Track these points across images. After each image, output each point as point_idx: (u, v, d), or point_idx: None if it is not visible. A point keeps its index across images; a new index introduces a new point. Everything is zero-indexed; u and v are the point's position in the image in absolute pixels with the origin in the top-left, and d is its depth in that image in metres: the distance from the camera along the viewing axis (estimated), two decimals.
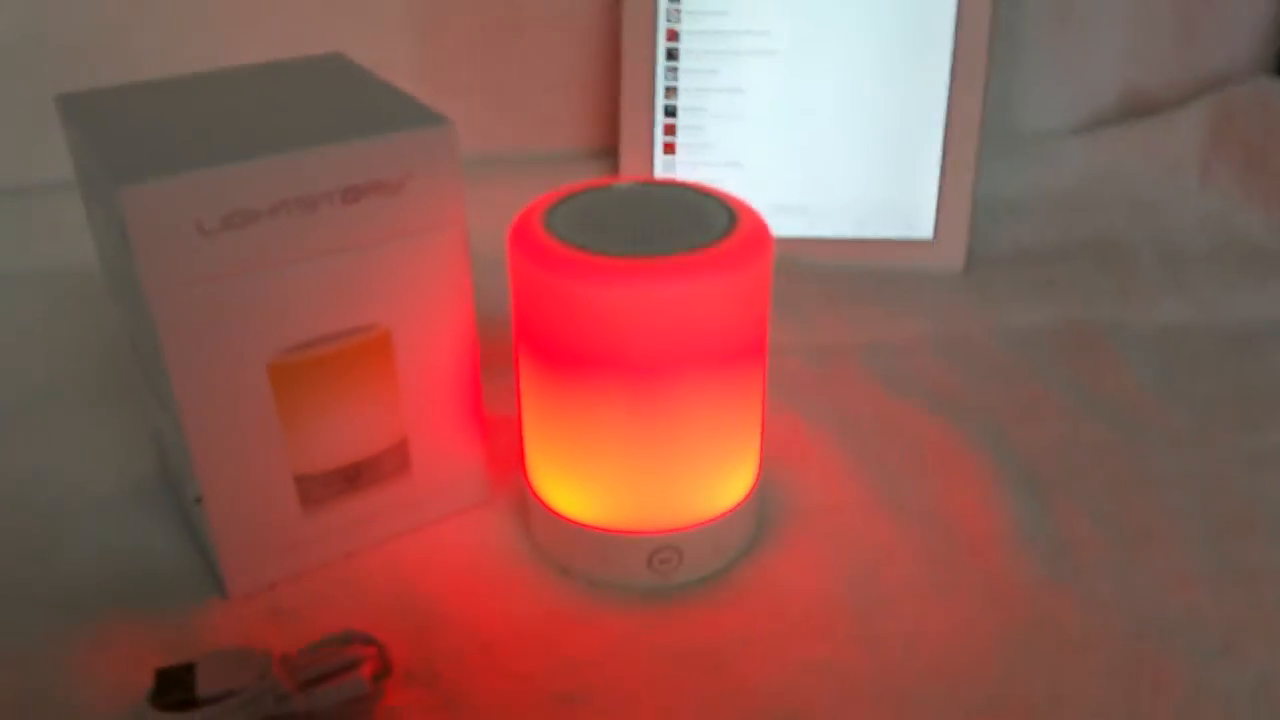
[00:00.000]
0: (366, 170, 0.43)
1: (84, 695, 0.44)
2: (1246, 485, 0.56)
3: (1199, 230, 0.85)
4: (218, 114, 0.46)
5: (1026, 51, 0.91)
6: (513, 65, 0.86)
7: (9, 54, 0.80)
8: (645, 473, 0.47)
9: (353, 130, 0.43)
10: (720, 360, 0.45)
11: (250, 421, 0.45)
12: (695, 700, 0.44)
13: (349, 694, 0.42)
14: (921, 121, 0.80)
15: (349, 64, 0.53)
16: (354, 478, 0.49)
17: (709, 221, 0.46)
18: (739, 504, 0.50)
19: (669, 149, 0.83)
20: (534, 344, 0.46)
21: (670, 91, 0.82)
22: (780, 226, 0.79)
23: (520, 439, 0.52)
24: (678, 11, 0.80)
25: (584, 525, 0.49)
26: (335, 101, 0.47)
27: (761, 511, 0.53)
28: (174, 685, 0.41)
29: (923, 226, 0.81)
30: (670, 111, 0.82)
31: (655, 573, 0.49)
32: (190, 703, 0.41)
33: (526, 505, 0.53)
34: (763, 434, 0.51)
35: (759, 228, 0.46)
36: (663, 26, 0.80)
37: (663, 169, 0.83)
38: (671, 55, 0.81)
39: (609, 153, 0.88)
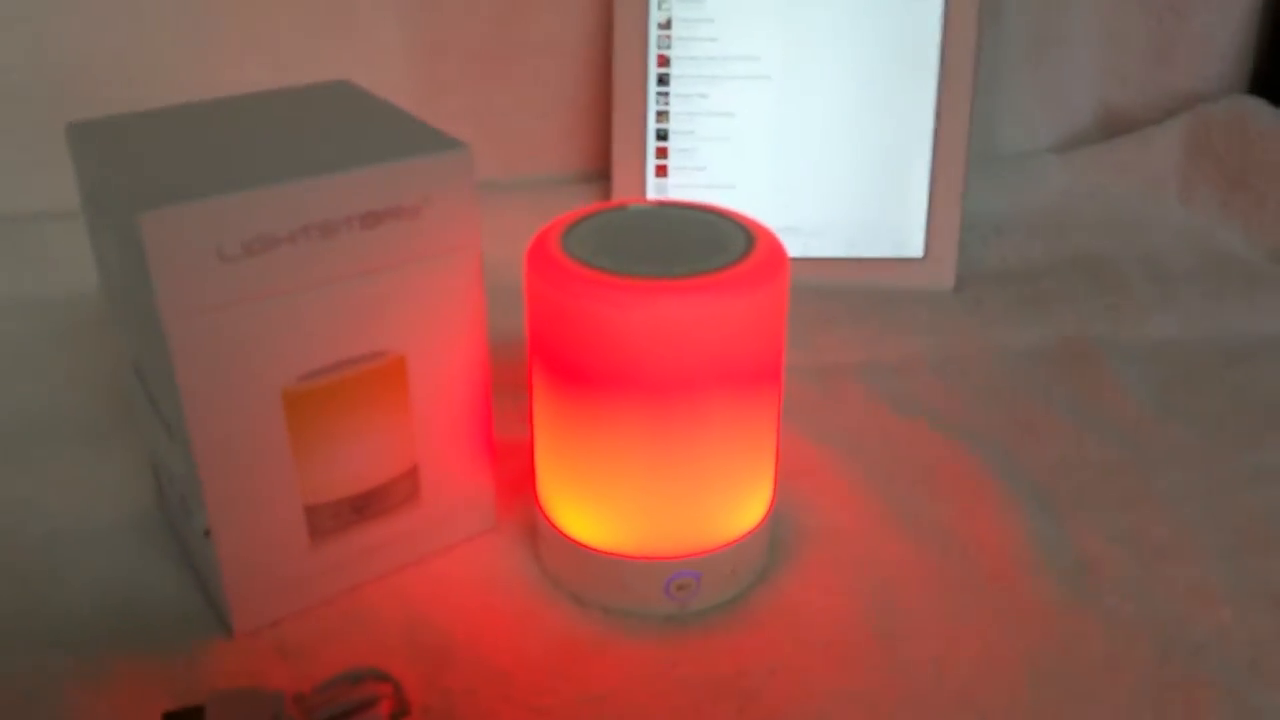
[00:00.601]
0: (386, 195, 0.42)
1: None
2: (1253, 501, 0.56)
3: (1181, 246, 0.86)
4: (232, 140, 0.45)
5: (1006, 73, 0.92)
6: (505, 91, 0.86)
7: (1, 81, 0.78)
8: (664, 496, 0.46)
9: (372, 156, 0.43)
10: (739, 381, 0.45)
11: (262, 451, 0.44)
12: None
13: None
14: (910, 142, 0.80)
15: (356, 90, 0.52)
16: (363, 507, 0.48)
17: (726, 242, 0.46)
18: (756, 527, 0.49)
19: (661, 171, 0.82)
20: (551, 366, 0.46)
21: (662, 115, 0.82)
22: None
23: (531, 463, 0.51)
24: (669, 38, 0.80)
25: (600, 551, 0.48)
26: (349, 127, 0.47)
27: (774, 534, 0.52)
28: None
29: (913, 245, 0.82)
30: (662, 135, 0.82)
31: (673, 600, 0.48)
32: None
33: (536, 532, 0.52)
34: (777, 455, 0.50)
35: (776, 248, 0.46)
36: (654, 52, 0.80)
37: (655, 192, 0.83)
38: (663, 80, 0.81)
39: (601, 176, 0.87)
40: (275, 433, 0.44)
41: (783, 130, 0.81)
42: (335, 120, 0.48)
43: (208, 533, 0.44)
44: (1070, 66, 0.94)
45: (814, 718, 0.43)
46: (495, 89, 0.86)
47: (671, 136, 0.82)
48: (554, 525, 0.49)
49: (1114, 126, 0.96)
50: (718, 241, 0.46)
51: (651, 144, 0.82)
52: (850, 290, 0.80)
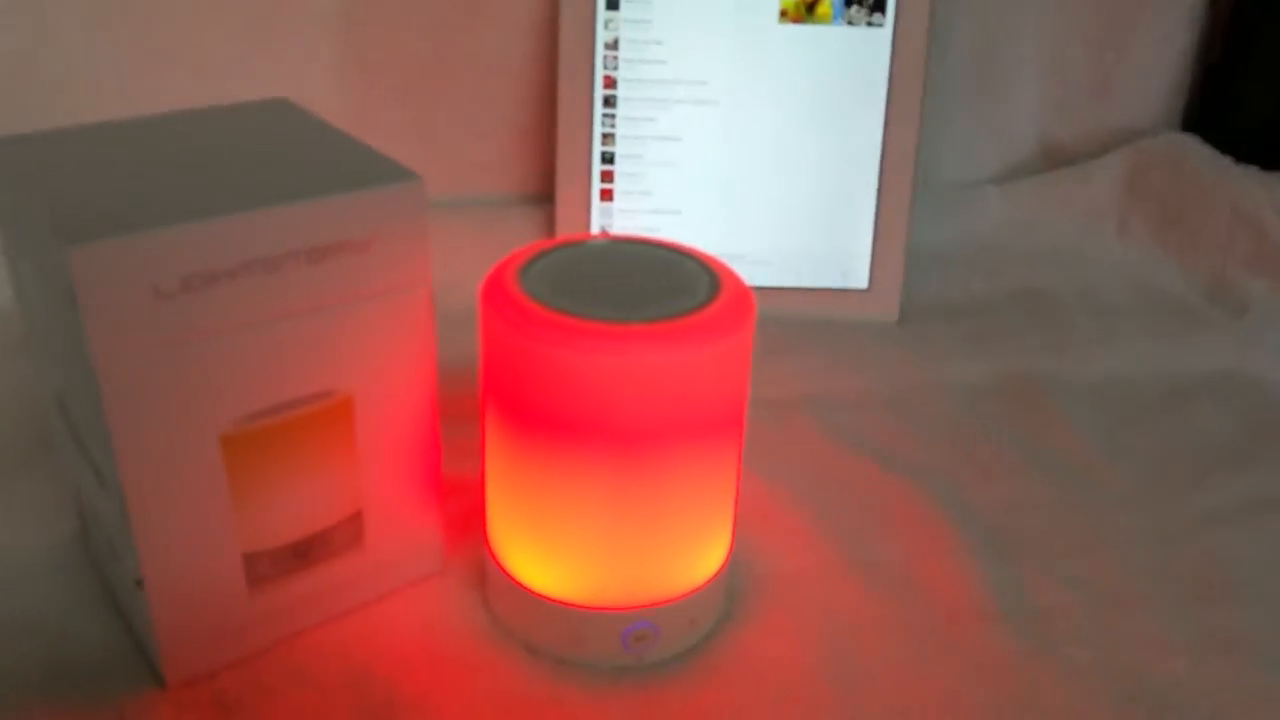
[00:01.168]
0: (334, 229, 0.40)
1: None
2: (1203, 545, 0.56)
3: (1119, 282, 0.88)
4: (166, 164, 0.42)
5: (947, 103, 0.92)
6: (444, 109, 0.84)
7: None
8: (624, 545, 0.44)
9: (319, 187, 0.40)
10: (703, 429, 0.43)
11: (198, 496, 0.41)
12: None
13: None
14: (856, 172, 0.80)
15: (296, 109, 0.50)
16: (305, 553, 0.46)
17: (690, 284, 0.44)
18: (715, 574, 0.48)
19: (606, 196, 0.81)
20: (506, 408, 0.44)
21: (608, 138, 0.80)
22: None
23: (481, 502, 0.49)
24: (615, 58, 0.79)
25: (555, 601, 0.46)
26: (292, 153, 0.44)
27: (730, 581, 0.51)
28: None
29: (858, 276, 0.81)
30: (608, 158, 0.80)
31: (630, 651, 0.47)
32: None
33: (485, 576, 0.50)
34: (737, 502, 0.49)
35: (742, 291, 0.44)
36: (600, 73, 0.79)
37: (600, 216, 0.81)
38: (609, 102, 0.79)
39: (545, 199, 0.85)
40: (213, 477, 0.41)
41: (730, 156, 0.80)
42: (276, 144, 0.45)
43: (139, 582, 0.42)
44: (1010, 97, 0.95)
45: None
46: (434, 106, 0.83)
47: (617, 160, 0.81)
48: (505, 572, 0.47)
49: (1053, 159, 0.97)
50: (682, 282, 0.44)
51: (597, 167, 0.80)
52: (795, 320, 0.79)
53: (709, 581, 0.47)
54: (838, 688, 0.46)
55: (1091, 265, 0.90)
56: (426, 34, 0.82)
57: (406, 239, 0.43)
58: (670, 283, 0.44)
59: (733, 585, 0.51)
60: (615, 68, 0.79)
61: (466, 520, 0.53)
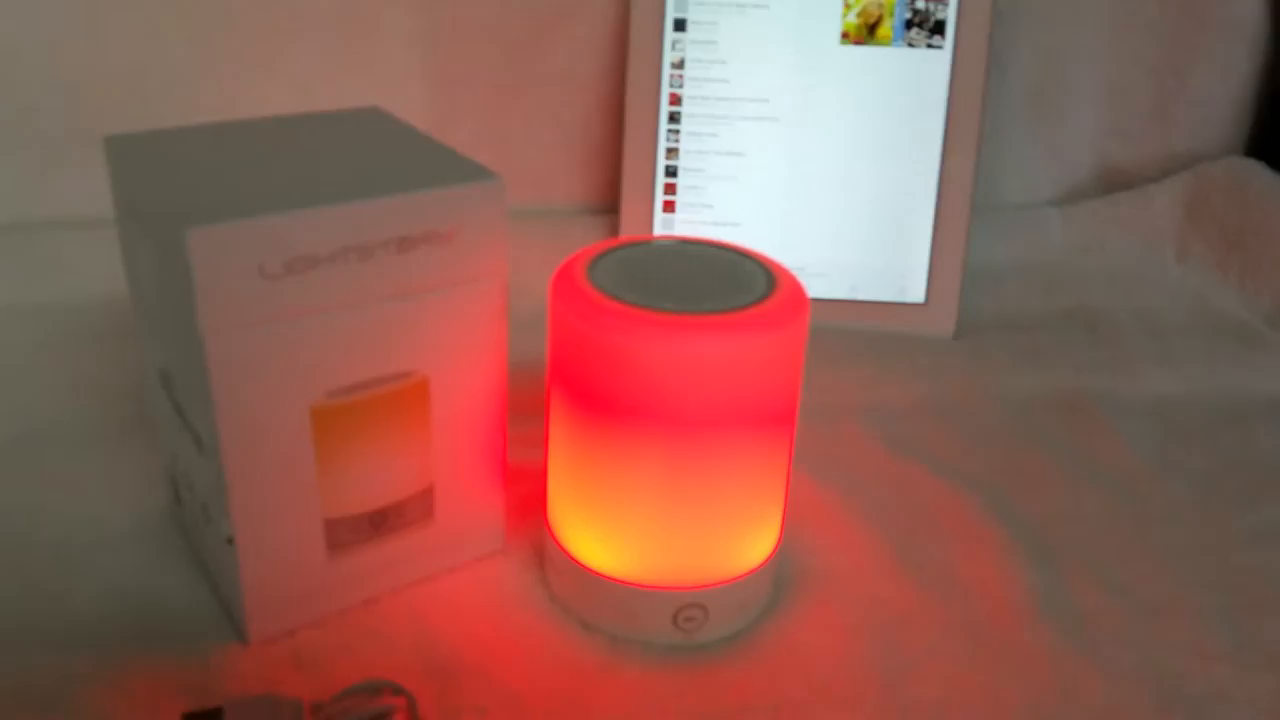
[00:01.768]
0: (422, 221, 0.44)
1: None
2: (1250, 560, 0.57)
3: (1178, 304, 0.88)
4: (272, 161, 0.46)
5: (1008, 125, 0.94)
6: (519, 122, 0.88)
7: (16, 92, 0.79)
8: (677, 527, 0.47)
9: (409, 182, 0.44)
10: (757, 418, 0.46)
11: (288, 463, 0.45)
12: None
13: None
14: (915, 190, 0.82)
15: (387, 116, 0.53)
16: (380, 523, 0.49)
17: (748, 281, 0.47)
18: (764, 562, 0.50)
19: (669, 207, 0.84)
20: (571, 394, 0.47)
21: (671, 152, 0.83)
22: None
23: (542, 488, 0.52)
24: (681, 77, 0.82)
25: (610, 579, 0.49)
26: (384, 153, 0.48)
27: (778, 571, 0.53)
28: None
29: (915, 291, 0.83)
30: (671, 171, 0.83)
31: (680, 630, 0.49)
32: None
33: (544, 556, 0.53)
34: (787, 493, 0.51)
35: (797, 289, 0.47)
36: (666, 91, 0.82)
37: (661, 226, 0.84)
38: (674, 118, 0.83)
39: (609, 209, 0.89)
40: (302, 446, 0.45)
41: (790, 172, 0.83)
42: (369, 145, 0.49)
43: (230, 540, 0.45)
44: (1070, 120, 0.96)
45: None
46: (509, 119, 0.87)
47: (680, 173, 0.84)
48: (564, 550, 0.50)
49: (1112, 183, 0.98)
50: (740, 280, 0.47)
51: (660, 180, 0.84)
52: (852, 332, 0.81)
53: (758, 567, 0.50)
54: (880, 679, 0.48)
55: (1150, 287, 0.91)
56: (504, 53, 0.86)
57: (486, 232, 0.46)
58: (729, 280, 0.47)
59: (782, 576, 0.53)
60: (681, 86, 0.82)
61: (527, 506, 0.56)
